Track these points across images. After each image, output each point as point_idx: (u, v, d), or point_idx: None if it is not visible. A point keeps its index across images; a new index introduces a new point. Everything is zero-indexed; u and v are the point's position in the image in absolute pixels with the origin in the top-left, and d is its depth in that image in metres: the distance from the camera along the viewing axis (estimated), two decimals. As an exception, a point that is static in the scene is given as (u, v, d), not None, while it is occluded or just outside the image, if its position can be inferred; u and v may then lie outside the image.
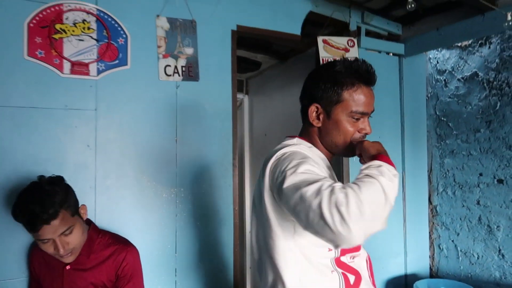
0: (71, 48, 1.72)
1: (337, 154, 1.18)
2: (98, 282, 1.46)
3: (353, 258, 1.13)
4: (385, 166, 0.93)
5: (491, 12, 2.11)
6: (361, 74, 1.09)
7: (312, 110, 1.14)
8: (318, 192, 0.84)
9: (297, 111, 1.19)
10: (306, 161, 0.98)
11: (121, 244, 1.54)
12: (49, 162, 1.64)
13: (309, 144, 1.17)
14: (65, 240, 1.33)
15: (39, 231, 1.27)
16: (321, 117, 1.13)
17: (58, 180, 1.38)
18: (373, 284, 1.20)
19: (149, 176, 1.85)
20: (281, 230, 1.04)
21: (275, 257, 1.05)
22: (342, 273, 1.08)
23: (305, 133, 1.20)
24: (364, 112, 1.10)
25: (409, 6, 1.79)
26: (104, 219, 1.71)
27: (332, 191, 0.83)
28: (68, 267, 1.43)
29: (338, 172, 2.47)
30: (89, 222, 1.53)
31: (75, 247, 1.38)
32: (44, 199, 1.27)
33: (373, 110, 1.15)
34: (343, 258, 1.10)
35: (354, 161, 2.45)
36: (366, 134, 1.14)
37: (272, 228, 1.04)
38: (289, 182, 0.92)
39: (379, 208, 0.85)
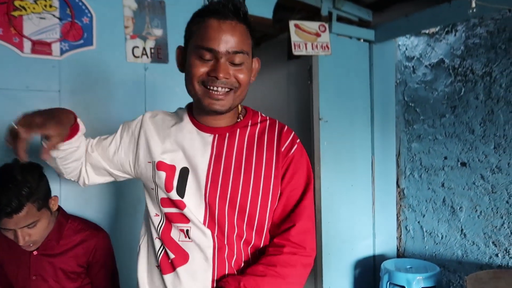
0: (31, 26, 1.63)
1: (200, 108, 0.99)
2: (68, 268, 1.43)
3: (187, 236, 0.98)
4: None
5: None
6: (211, 4, 0.93)
7: (177, 53, 1.02)
8: None
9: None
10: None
11: (92, 230, 1.50)
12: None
13: (184, 109, 1.10)
14: (27, 232, 1.27)
15: (1, 221, 1.21)
16: (182, 60, 1.01)
17: (32, 169, 1.30)
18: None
19: (117, 160, 1.80)
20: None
21: None
22: (161, 246, 1.02)
23: None
24: (210, 47, 0.89)
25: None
26: (71, 206, 1.66)
27: None
28: (35, 252, 1.39)
29: (309, 137, 2.49)
30: (58, 208, 1.48)
31: (37, 239, 1.34)
32: (11, 190, 1.19)
33: (237, 51, 0.91)
34: (173, 233, 1.00)
35: (325, 145, 2.48)
36: (216, 78, 0.90)
37: None
38: None
39: None
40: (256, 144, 1.03)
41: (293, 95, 2.70)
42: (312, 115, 2.48)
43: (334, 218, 2.52)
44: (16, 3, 1.60)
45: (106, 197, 1.78)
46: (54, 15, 1.68)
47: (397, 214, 2.90)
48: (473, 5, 1.86)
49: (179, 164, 0.99)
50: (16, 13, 1.60)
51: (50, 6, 1.67)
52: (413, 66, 2.78)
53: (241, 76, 0.94)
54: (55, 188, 1.64)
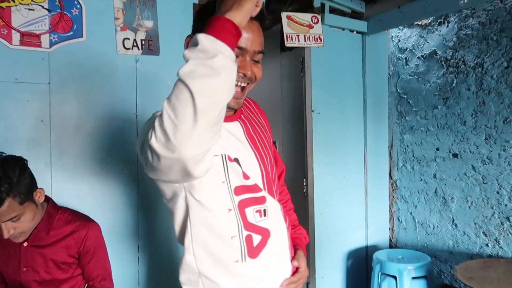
0: (20, 18, 1.62)
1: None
2: (58, 259, 1.43)
3: (264, 215, 1.05)
4: (201, 44, 0.71)
5: (450, -10, 2.16)
6: None
7: (187, 42, 1.00)
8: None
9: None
10: None
11: (82, 221, 1.50)
12: (0, 139, 1.56)
13: None
14: (11, 226, 1.27)
15: None
16: None
17: (14, 163, 1.29)
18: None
19: (109, 152, 1.80)
20: None
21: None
22: (247, 235, 1.01)
23: None
24: (242, 47, 0.93)
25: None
26: (62, 197, 1.66)
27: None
28: (25, 244, 1.39)
29: (302, 129, 2.50)
30: (47, 199, 1.48)
31: (23, 231, 1.34)
32: None
33: (260, 51, 0.98)
34: (250, 218, 1.02)
35: (318, 137, 2.49)
36: (245, 75, 0.96)
37: None
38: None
39: (183, 117, 0.69)
40: (255, 117, 1.19)
41: (286, 87, 2.69)
42: (304, 107, 2.48)
43: (327, 210, 2.53)
44: (4, -6, 1.59)
45: (97, 190, 1.78)
46: (43, 7, 1.67)
47: (389, 205, 2.92)
48: (464, -4, 1.86)
49: (232, 156, 1.01)
50: (4, 4, 1.59)
51: (39, -3, 1.66)
52: (405, 58, 2.78)
53: (258, 72, 1.01)
54: (46, 181, 1.64)
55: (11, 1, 1.61)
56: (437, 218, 2.58)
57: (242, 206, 1.01)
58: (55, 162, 1.67)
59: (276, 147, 2.76)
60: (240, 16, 0.76)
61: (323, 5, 2.54)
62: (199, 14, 1.03)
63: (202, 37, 0.72)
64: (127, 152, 1.84)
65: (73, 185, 1.72)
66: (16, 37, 1.61)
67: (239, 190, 1.01)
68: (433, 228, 2.61)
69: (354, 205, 2.71)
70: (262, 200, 1.05)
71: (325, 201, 2.53)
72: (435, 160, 2.60)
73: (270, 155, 1.15)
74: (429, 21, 2.59)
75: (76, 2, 1.74)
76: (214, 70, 0.70)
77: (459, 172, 2.45)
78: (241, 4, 0.77)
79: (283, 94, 2.73)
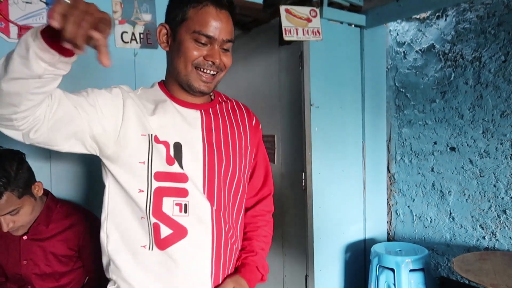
0: (17, 11, 1.61)
1: (184, 87, 1.04)
2: (58, 252, 1.44)
3: (184, 211, 0.99)
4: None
5: (448, -17, 2.16)
6: None
7: (159, 30, 1.04)
8: None
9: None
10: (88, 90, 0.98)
11: (82, 214, 1.51)
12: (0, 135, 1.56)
13: (157, 87, 1.10)
14: (10, 219, 1.28)
15: None
16: (169, 40, 1.03)
17: (12, 157, 1.29)
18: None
19: (108, 147, 1.80)
20: None
21: None
22: (155, 223, 0.98)
23: (166, 73, 1.10)
24: (210, 35, 0.97)
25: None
26: (61, 190, 1.67)
27: None
28: (25, 237, 1.40)
29: (300, 123, 2.51)
30: (46, 193, 1.48)
31: (22, 225, 1.35)
32: None
33: (229, 39, 1.01)
34: (165, 208, 0.98)
35: (316, 130, 2.50)
36: (213, 63, 0.99)
37: None
38: None
39: None
40: (233, 118, 1.16)
41: (284, 81, 2.69)
42: (303, 101, 2.48)
43: (325, 203, 2.55)
44: (1, -13, 1.58)
45: (97, 183, 1.79)
46: (40, 0, 1.66)
47: (387, 199, 2.94)
48: (463, -11, 1.86)
49: (171, 140, 1.00)
50: (1, -2, 1.58)
51: (36, -10, 1.65)
52: (404, 52, 2.78)
53: (227, 61, 1.03)
54: (45, 173, 1.64)
55: (9, -6, 1.60)
56: (435, 211, 2.60)
57: (160, 193, 0.98)
58: (54, 154, 1.67)
59: (274, 141, 2.76)
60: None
61: (321, -2, 2.54)
62: (171, 2, 1.05)
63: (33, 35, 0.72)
64: (126, 146, 1.84)
65: (72, 177, 1.72)
66: (13, 30, 1.60)
67: (160, 176, 0.98)
68: (431, 221, 2.63)
69: (352, 199, 2.73)
70: (183, 192, 0.99)
71: (323, 194, 2.54)
72: (432, 154, 2.61)
73: (231, 157, 1.09)
74: (427, 14, 2.59)
75: (74, -5, 1.73)
76: (30, 73, 0.73)
77: (456, 165, 2.47)
78: None
79: (281, 88, 2.73)
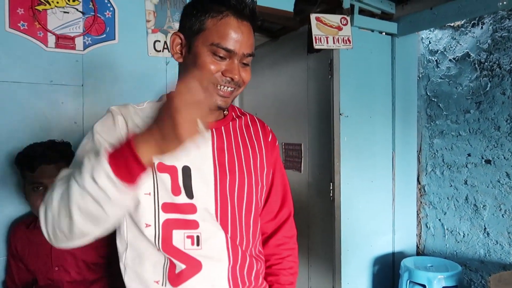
0: (55, 20, 1.64)
1: None
2: (89, 259, 1.44)
3: (196, 243, 0.92)
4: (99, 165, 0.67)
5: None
6: (233, 1, 0.89)
7: (173, 39, 0.94)
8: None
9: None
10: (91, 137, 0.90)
11: None
12: (34, 139, 1.58)
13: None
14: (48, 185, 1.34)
15: (36, 171, 1.32)
16: (184, 50, 0.93)
17: (69, 146, 1.48)
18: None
19: (139, 155, 1.81)
20: None
21: None
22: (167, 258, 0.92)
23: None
24: (230, 48, 0.88)
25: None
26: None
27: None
28: None
29: (329, 132, 2.46)
30: None
31: None
32: (50, 147, 1.39)
33: (250, 54, 0.92)
34: (176, 242, 0.91)
35: (345, 140, 2.45)
36: (232, 79, 0.90)
37: None
38: None
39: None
40: (247, 136, 1.06)
41: (313, 90, 2.66)
42: (332, 110, 2.44)
43: (354, 214, 2.49)
44: (40, -3, 1.61)
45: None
46: (77, 9, 1.69)
47: (417, 211, 2.85)
48: (504, -3, 1.79)
49: (179, 164, 0.91)
50: (40, 7, 1.61)
51: (73, 0, 1.68)
52: (436, 60, 2.71)
53: (246, 77, 0.94)
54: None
55: (47, 4, 1.63)
56: (468, 225, 2.51)
57: (169, 226, 0.90)
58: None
59: (301, 150, 2.73)
60: (159, 152, 0.68)
61: (352, 6, 2.50)
62: (186, 10, 0.95)
63: (106, 177, 0.66)
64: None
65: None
66: (51, 39, 1.63)
67: (168, 207, 0.90)
68: (463, 236, 2.54)
69: (381, 210, 2.66)
70: (193, 224, 0.91)
71: (352, 205, 2.48)
72: (466, 166, 2.52)
73: (246, 179, 1.00)
74: (462, 22, 2.52)
75: (109, 5, 1.75)
76: (106, 215, 0.70)
77: (492, 179, 2.37)
78: (167, 140, 0.66)
79: (309, 96, 2.69)
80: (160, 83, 1.86)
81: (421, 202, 2.83)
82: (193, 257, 0.91)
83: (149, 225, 0.89)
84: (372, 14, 2.64)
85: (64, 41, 1.65)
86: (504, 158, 2.30)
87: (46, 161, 1.34)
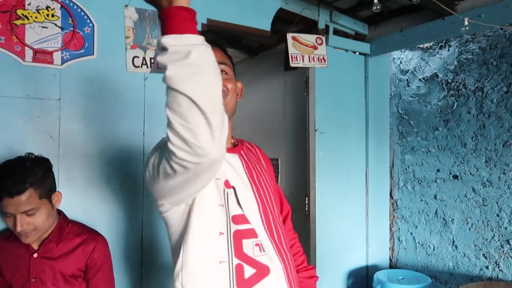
0: (33, 35, 1.66)
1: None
2: (67, 271, 1.44)
3: (262, 250, 1.01)
4: (171, 47, 0.69)
5: (451, 16, 2.22)
6: (207, 39, 0.98)
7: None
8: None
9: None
10: None
11: (91, 234, 1.53)
12: (8, 153, 1.58)
13: None
14: (26, 220, 1.31)
15: (2, 202, 1.28)
16: None
17: (42, 161, 1.40)
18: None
19: (115, 168, 1.82)
20: None
21: None
22: (238, 264, 0.98)
23: None
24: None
25: (375, 8, 1.85)
26: (68, 211, 1.67)
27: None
28: (35, 255, 1.41)
29: (305, 148, 2.53)
30: (59, 212, 1.52)
31: (36, 229, 1.36)
32: (18, 174, 1.29)
33: (220, 62, 1.04)
34: (246, 249, 0.99)
35: (320, 155, 2.52)
36: (226, 89, 1.09)
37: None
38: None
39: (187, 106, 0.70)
40: (255, 157, 1.23)
41: (289, 106, 2.73)
42: (308, 126, 2.51)
43: (328, 228, 2.54)
44: (19, 12, 1.63)
45: (103, 205, 1.80)
46: (56, 25, 1.71)
47: (390, 225, 2.93)
48: (466, 23, 1.91)
49: (230, 184, 1.04)
50: (18, 22, 1.63)
51: (52, 15, 1.70)
52: (407, 79, 2.83)
53: (226, 83, 1.07)
54: (53, 195, 1.65)
55: (25, 19, 1.64)
56: (438, 239, 2.60)
57: (239, 236, 0.99)
58: (62, 176, 1.69)
59: (278, 164, 2.78)
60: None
61: (327, 26, 2.60)
62: None
63: (167, 40, 0.69)
64: (133, 168, 1.86)
65: (79, 199, 1.73)
66: (29, 54, 1.64)
67: (238, 219, 1.00)
68: (433, 249, 2.62)
69: (355, 224, 2.73)
70: (254, 233, 1.02)
71: (327, 220, 2.54)
72: (435, 181, 2.62)
73: (269, 191, 1.15)
74: (431, 44, 2.65)
75: (88, 20, 1.78)
76: (196, 65, 0.69)
77: (459, 193, 2.48)
78: None
79: (286, 112, 2.76)
80: (138, 98, 1.89)
81: (393, 216, 2.91)
82: (261, 263, 1.00)
83: (223, 233, 0.98)
84: (346, 35, 2.75)
85: (42, 55, 1.66)
86: (470, 173, 2.41)
87: (12, 195, 1.27)
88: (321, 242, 2.49)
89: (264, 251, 1.02)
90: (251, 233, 1.01)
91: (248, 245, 1.00)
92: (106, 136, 1.80)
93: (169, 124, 0.72)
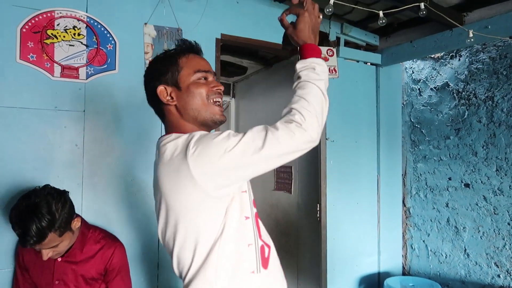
0: (61, 52, 1.82)
1: (207, 123, 1.11)
2: (87, 275, 1.56)
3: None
4: (318, 66, 1.03)
5: (458, 28, 2.26)
6: (186, 46, 1.14)
7: (161, 90, 1.09)
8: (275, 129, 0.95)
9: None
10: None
11: (110, 240, 1.64)
12: (38, 160, 1.73)
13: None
14: (50, 250, 1.43)
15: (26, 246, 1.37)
16: (173, 94, 1.09)
17: (58, 197, 1.43)
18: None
19: (134, 174, 1.95)
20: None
21: None
22: (262, 245, 1.09)
23: (170, 127, 1.13)
24: (207, 70, 1.11)
25: (380, 22, 1.92)
26: (91, 215, 1.81)
27: (285, 123, 0.96)
28: (59, 259, 1.53)
29: (316, 156, 2.60)
30: (80, 219, 1.61)
31: (59, 253, 1.49)
32: (35, 222, 1.33)
33: (215, 72, 1.17)
34: (261, 230, 1.13)
35: (331, 164, 2.58)
36: (220, 89, 1.13)
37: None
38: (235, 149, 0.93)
39: (322, 107, 1.00)
40: None
41: (302, 115, 2.82)
42: (319, 134, 2.58)
43: (340, 235, 2.60)
44: (49, 32, 1.79)
45: (122, 210, 1.92)
46: (82, 43, 1.86)
47: (403, 233, 2.96)
48: (471, 35, 1.96)
49: (247, 186, 1.16)
50: (48, 41, 1.79)
51: (79, 34, 1.86)
52: (419, 89, 2.87)
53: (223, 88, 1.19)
54: (77, 200, 1.79)
55: (55, 38, 1.81)
56: (450, 247, 2.61)
57: (256, 218, 1.13)
58: (86, 182, 1.83)
59: (291, 172, 2.86)
60: (316, 41, 1.12)
61: (338, 38, 2.68)
62: (154, 69, 1.13)
63: (318, 62, 1.05)
64: (150, 174, 1.98)
65: (101, 204, 1.86)
66: (57, 70, 1.80)
67: (254, 203, 1.15)
68: (446, 257, 2.63)
69: (367, 231, 2.77)
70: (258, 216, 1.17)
71: (338, 226, 2.60)
72: (447, 190, 2.64)
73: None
74: (442, 54, 2.69)
75: (111, 38, 1.93)
76: (326, 74, 1.05)
77: (470, 202, 2.49)
78: (315, 36, 1.12)
79: (299, 121, 2.85)
80: (156, 109, 2.02)
81: (406, 224, 2.94)
82: (267, 242, 1.13)
83: (248, 217, 1.07)
84: (357, 46, 2.82)
85: (69, 71, 1.82)
86: (481, 182, 2.43)
87: (33, 245, 1.35)
88: (332, 248, 2.55)
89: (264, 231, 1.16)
90: (257, 216, 1.15)
91: (262, 227, 1.14)
92: (126, 145, 1.94)
93: (306, 109, 0.96)
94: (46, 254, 1.42)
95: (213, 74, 1.15)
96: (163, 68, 1.11)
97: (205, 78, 1.11)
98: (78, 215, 1.54)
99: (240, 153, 0.91)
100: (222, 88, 1.13)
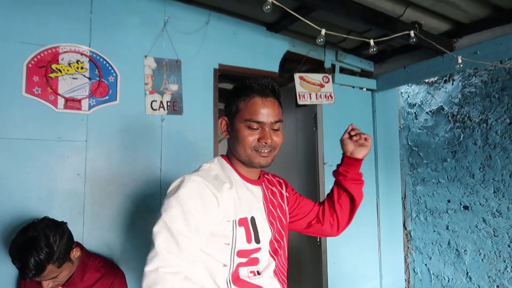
0: (65, 85, 1.90)
1: (245, 164, 1.20)
2: None
3: (257, 274, 1.15)
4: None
5: (449, 53, 2.33)
6: (256, 86, 1.16)
7: (221, 122, 1.23)
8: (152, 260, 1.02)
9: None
10: (181, 209, 1.04)
11: (111, 268, 1.67)
12: (41, 189, 1.78)
13: (225, 163, 1.22)
14: (50, 281, 1.47)
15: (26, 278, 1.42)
16: (228, 129, 1.22)
17: (55, 228, 1.46)
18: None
19: (135, 202, 1.99)
20: None
21: None
22: None
23: (227, 150, 1.26)
24: (259, 121, 1.14)
25: (372, 50, 1.99)
26: (92, 242, 1.84)
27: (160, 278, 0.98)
28: (60, 287, 1.55)
29: (315, 180, 2.62)
30: (80, 247, 1.65)
31: (60, 283, 1.52)
32: (33, 255, 1.37)
33: (277, 120, 1.18)
34: (242, 275, 1.13)
35: (329, 188, 2.60)
36: (266, 143, 1.16)
37: None
38: (156, 227, 1.06)
39: None
40: (271, 187, 1.35)
41: (301, 140, 2.87)
42: (317, 159, 2.63)
43: (340, 259, 2.60)
44: (53, 66, 1.88)
45: (123, 237, 1.95)
46: (84, 76, 1.95)
47: (404, 256, 2.94)
48: (459, 61, 2.02)
49: (249, 214, 1.16)
50: (53, 75, 1.87)
51: (82, 68, 1.94)
52: (415, 112, 2.92)
53: (278, 140, 1.21)
54: (79, 228, 1.83)
55: (59, 72, 1.89)
56: (452, 270, 2.59)
57: (238, 265, 1.13)
58: (87, 210, 1.87)
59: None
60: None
61: (333, 65, 2.76)
62: (228, 98, 1.23)
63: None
64: (151, 201, 2.03)
65: (102, 231, 1.90)
66: (61, 102, 1.88)
67: (242, 253, 1.13)
68: (448, 281, 2.61)
69: (368, 255, 2.76)
70: (256, 261, 1.15)
71: (338, 251, 2.59)
72: (447, 212, 2.65)
73: (281, 217, 1.29)
74: (435, 78, 2.76)
75: (112, 71, 2.01)
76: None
77: (470, 224, 2.49)
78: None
79: (298, 146, 2.89)
80: (156, 138, 2.08)
81: (408, 247, 2.93)
82: (256, 284, 1.14)
83: (226, 265, 1.11)
84: (353, 72, 2.90)
85: (72, 103, 1.90)
86: (480, 204, 2.44)
87: (33, 278, 1.40)
88: (333, 273, 2.54)
89: (259, 274, 1.15)
90: (250, 262, 1.14)
91: (244, 272, 1.13)
92: (127, 173, 1.99)
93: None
94: (47, 285, 1.45)
95: (270, 124, 1.16)
96: (229, 101, 1.21)
97: (254, 128, 1.15)
98: (77, 245, 1.57)
99: None
100: (268, 141, 1.15)
